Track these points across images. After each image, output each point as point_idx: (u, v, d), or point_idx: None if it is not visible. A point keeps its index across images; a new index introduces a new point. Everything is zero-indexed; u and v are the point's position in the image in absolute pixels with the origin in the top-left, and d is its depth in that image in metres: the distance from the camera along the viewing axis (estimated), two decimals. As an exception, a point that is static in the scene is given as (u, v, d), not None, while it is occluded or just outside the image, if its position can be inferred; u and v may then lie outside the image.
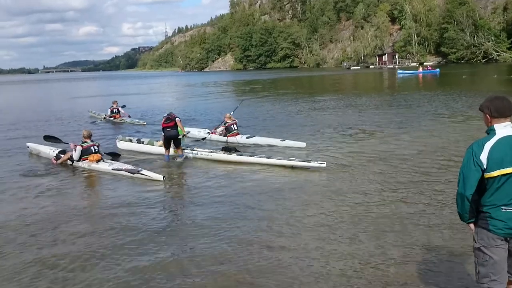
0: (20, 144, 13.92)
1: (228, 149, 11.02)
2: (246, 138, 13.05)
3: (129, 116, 19.88)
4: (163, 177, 9.21)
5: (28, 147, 12.85)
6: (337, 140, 12.96)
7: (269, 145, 12.35)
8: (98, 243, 5.99)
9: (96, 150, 10.48)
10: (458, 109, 18.63)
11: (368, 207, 7.02)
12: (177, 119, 11.33)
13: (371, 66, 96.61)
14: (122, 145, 12.74)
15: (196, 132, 14.08)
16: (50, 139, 11.97)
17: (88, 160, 10.36)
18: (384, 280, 4.66)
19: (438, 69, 54.02)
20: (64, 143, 11.64)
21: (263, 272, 4.98)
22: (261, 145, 12.40)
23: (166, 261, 5.41)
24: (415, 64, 79.27)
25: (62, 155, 11.00)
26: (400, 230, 5.99)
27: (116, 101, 20.59)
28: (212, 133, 13.50)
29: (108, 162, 10.40)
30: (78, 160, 10.49)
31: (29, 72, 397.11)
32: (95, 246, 5.89)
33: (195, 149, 11.56)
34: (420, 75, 50.68)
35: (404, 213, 6.67)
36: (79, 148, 10.46)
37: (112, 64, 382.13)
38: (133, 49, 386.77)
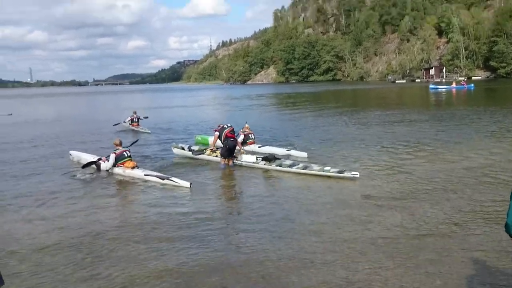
0: (64, 152, 14.64)
1: (268, 158, 11.51)
2: (259, 147, 13.85)
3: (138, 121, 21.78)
4: (190, 184, 9.68)
5: (70, 154, 13.58)
6: (374, 153, 12.98)
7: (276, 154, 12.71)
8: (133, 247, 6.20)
9: (128, 155, 11.28)
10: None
11: (404, 225, 6.88)
12: (238, 139, 12.24)
13: (417, 80, 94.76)
14: (175, 151, 13.67)
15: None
16: (86, 166, 11.75)
17: (124, 166, 11.05)
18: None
19: (472, 85, 52.27)
20: (98, 161, 11.77)
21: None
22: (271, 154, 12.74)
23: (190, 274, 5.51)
24: (463, 78, 77.16)
25: (101, 162, 11.63)
26: (439, 252, 5.86)
27: (136, 111, 22.53)
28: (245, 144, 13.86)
29: (141, 169, 11.01)
30: (114, 166, 11.14)
31: (80, 84, 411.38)
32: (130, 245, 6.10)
33: (238, 158, 12.13)
34: (454, 90, 49.18)
35: (442, 232, 6.52)
36: (112, 155, 11.19)
37: (158, 77, 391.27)
38: (178, 63, 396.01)
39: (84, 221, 7.69)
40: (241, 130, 14.24)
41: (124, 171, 10.98)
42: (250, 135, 14.26)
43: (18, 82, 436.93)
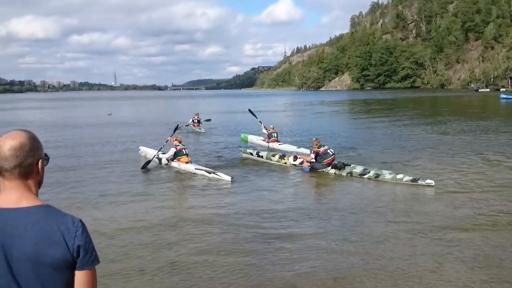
0: (135, 147, 16.12)
1: (337, 166, 11.33)
2: (279, 144, 16.25)
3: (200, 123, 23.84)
4: (231, 178, 10.69)
5: (139, 150, 15.17)
6: (452, 162, 12.44)
7: (289, 151, 14.90)
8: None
9: (186, 153, 12.67)
10: None
11: (484, 237, 6.56)
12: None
13: (502, 89, 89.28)
14: (244, 156, 14.31)
15: (255, 139, 17.72)
16: (145, 166, 12.58)
17: (180, 161, 12.52)
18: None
19: None
20: (154, 158, 13.07)
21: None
22: (284, 150, 15.09)
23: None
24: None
25: (163, 157, 13.08)
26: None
27: (198, 114, 24.78)
28: (268, 141, 16.66)
29: (193, 164, 12.34)
30: (173, 160, 12.67)
31: (159, 88, 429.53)
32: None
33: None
34: None
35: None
36: (172, 150, 12.75)
37: (233, 83, 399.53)
38: (253, 69, 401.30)
39: (147, 210, 8.23)
40: (267, 130, 17.08)
41: (179, 165, 12.48)
42: (273, 134, 16.72)
43: (103, 85, 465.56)
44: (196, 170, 11.75)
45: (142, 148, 15.18)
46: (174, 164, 12.61)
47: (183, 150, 12.62)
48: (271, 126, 17.32)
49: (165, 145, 13.55)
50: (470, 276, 5.20)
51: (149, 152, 14.04)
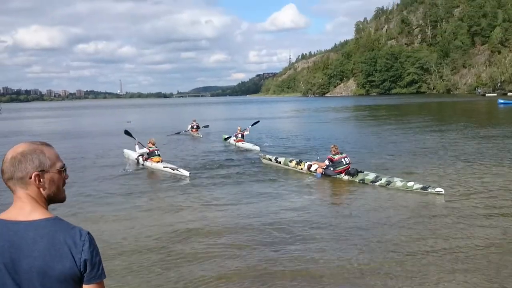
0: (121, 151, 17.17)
1: (350, 173, 11.40)
2: (241, 144, 19.41)
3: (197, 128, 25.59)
4: (189, 173, 12.39)
5: (123, 152, 16.66)
6: (462, 169, 12.29)
7: (247, 149, 18.30)
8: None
9: (158, 153, 14.35)
10: None
11: (491, 243, 6.46)
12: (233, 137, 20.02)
13: (509, 94, 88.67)
14: (264, 161, 14.53)
15: (230, 139, 20.52)
16: (127, 134, 15.46)
17: (152, 161, 14.20)
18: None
19: None
20: (134, 138, 15.09)
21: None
22: (245, 148, 18.62)
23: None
24: None
25: (140, 158, 14.74)
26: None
27: (195, 119, 26.33)
28: (235, 140, 19.95)
29: (163, 163, 13.91)
30: (147, 160, 14.32)
31: (165, 96, 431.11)
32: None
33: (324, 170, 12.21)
34: None
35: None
36: (146, 149, 14.41)
37: (238, 90, 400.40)
38: (258, 75, 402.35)
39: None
40: (235, 132, 20.30)
41: (152, 164, 14.17)
42: (238, 135, 20.03)
43: (109, 93, 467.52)
44: (163, 168, 13.53)
45: (125, 150, 16.65)
46: (147, 163, 14.29)
47: (155, 151, 14.32)
48: (239, 127, 20.64)
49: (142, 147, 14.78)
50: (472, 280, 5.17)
51: (131, 154, 15.72)
